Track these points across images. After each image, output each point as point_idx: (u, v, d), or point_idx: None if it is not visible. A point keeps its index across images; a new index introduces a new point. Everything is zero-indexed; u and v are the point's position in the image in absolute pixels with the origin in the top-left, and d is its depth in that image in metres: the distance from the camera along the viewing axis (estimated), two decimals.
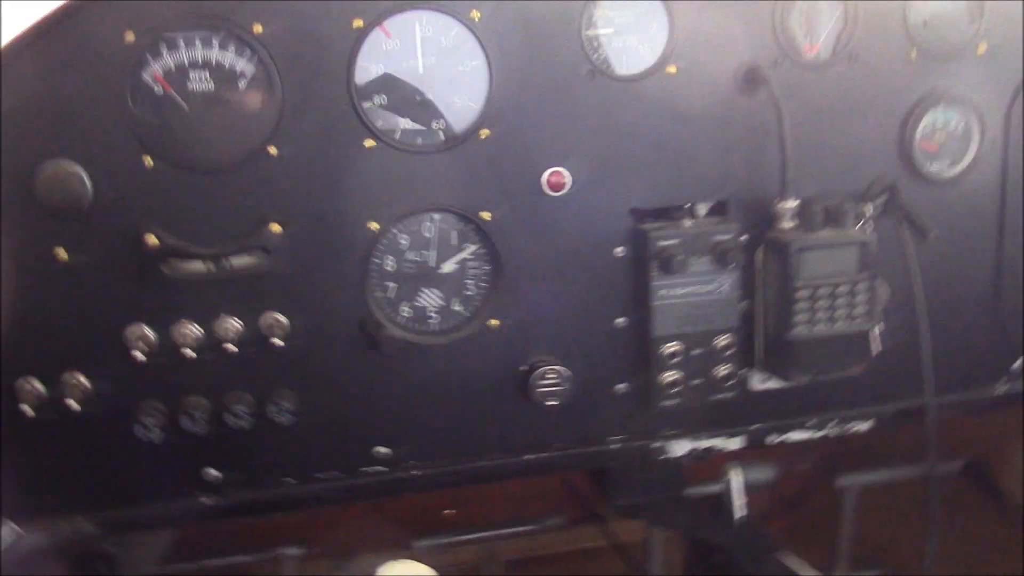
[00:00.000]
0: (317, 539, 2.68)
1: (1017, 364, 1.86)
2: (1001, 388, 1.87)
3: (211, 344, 1.54)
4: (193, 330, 1.52)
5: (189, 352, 1.51)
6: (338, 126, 1.52)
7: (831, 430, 1.80)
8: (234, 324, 1.54)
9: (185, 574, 2.51)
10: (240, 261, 1.52)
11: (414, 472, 1.67)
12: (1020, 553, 2.67)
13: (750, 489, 1.73)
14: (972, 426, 2.70)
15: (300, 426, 1.60)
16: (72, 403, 1.49)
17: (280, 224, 1.52)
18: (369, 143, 1.53)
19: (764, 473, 1.73)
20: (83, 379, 1.51)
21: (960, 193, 1.79)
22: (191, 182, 1.49)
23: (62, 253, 1.47)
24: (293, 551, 2.53)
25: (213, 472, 1.60)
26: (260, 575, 2.93)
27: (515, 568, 3.08)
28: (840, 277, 1.63)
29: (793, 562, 1.57)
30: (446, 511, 2.94)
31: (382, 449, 1.65)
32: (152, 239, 1.48)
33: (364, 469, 1.66)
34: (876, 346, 1.69)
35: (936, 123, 1.75)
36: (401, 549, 2.56)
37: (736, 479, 1.71)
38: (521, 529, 2.74)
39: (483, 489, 2.96)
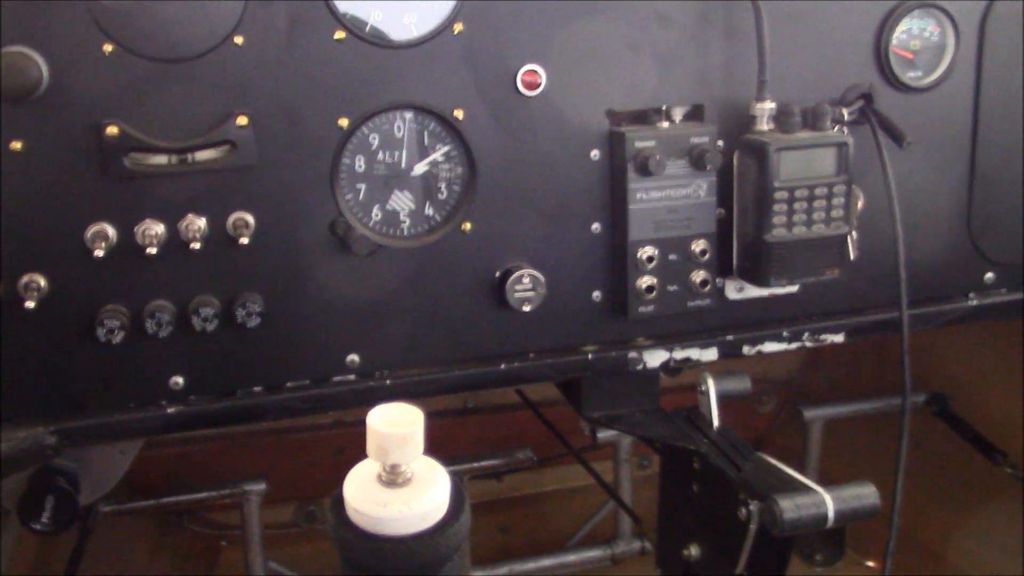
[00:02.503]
0: (278, 477, 2.63)
1: (989, 276, 1.87)
2: (973, 301, 1.87)
3: (176, 243, 1.48)
4: (157, 228, 1.46)
5: (152, 251, 1.45)
6: (306, 16, 1.47)
7: (805, 341, 1.79)
8: (199, 223, 1.48)
9: (146, 509, 2.45)
10: (205, 155, 1.47)
11: (386, 382, 1.63)
12: (986, 488, 2.71)
13: (725, 399, 1.70)
14: (934, 362, 2.73)
15: (268, 331, 1.55)
16: (29, 304, 1.42)
17: (247, 117, 1.47)
18: (339, 35, 1.48)
19: (740, 383, 1.71)
20: (41, 279, 1.44)
21: (935, 102, 1.78)
22: (154, 71, 1.43)
23: (17, 145, 1.40)
24: (257, 486, 2.48)
25: (179, 380, 1.54)
26: (217, 515, 2.88)
27: (480, 512, 3.05)
28: (818, 179, 1.62)
29: (773, 462, 1.55)
30: None
31: (353, 357, 1.60)
32: (113, 130, 1.42)
33: (335, 378, 1.62)
34: (853, 251, 1.68)
35: (912, 30, 1.74)
36: None
37: (712, 387, 1.68)
38: (488, 463, 2.71)
39: (447, 430, 2.94)
